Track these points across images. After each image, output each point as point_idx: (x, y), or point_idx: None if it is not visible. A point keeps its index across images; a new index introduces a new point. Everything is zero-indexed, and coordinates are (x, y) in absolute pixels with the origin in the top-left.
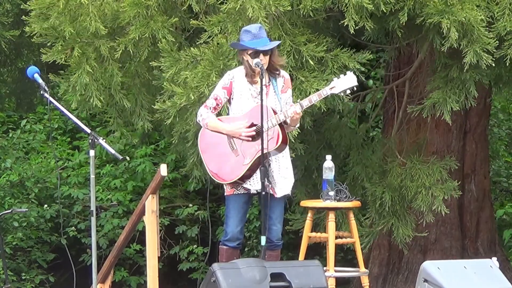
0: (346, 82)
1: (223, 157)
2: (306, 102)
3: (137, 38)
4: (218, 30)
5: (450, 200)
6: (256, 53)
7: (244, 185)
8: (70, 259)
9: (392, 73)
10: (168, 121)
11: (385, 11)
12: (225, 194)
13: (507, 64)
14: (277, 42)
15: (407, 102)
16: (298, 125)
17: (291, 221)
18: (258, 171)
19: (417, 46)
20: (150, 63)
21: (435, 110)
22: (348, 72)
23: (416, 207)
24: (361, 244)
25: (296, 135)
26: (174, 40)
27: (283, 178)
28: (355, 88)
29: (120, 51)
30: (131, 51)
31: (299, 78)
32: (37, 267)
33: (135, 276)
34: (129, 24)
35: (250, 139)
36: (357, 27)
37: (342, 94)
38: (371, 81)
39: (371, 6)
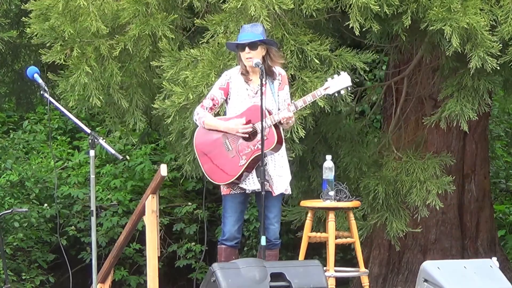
0: (340, 82)
1: (218, 158)
2: (300, 103)
3: (137, 36)
4: (220, 29)
5: (450, 200)
6: (242, 47)
7: (241, 185)
8: (67, 260)
9: (392, 71)
10: (169, 120)
11: (388, 13)
12: (222, 193)
13: None
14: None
15: (405, 99)
16: (292, 123)
17: (284, 212)
18: (254, 171)
19: (417, 46)
20: (151, 63)
21: (450, 119)
22: (342, 72)
23: (410, 202)
24: None
25: (299, 138)
26: (174, 37)
27: (278, 177)
28: (349, 89)
29: (119, 49)
30: (131, 50)
31: (302, 78)
32: (37, 267)
33: (135, 275)
34: (129, 23)
35: (247, 135)
36: (363, 29)
37: (336, 94)
38: (368, 83)
39: (377, 7)
